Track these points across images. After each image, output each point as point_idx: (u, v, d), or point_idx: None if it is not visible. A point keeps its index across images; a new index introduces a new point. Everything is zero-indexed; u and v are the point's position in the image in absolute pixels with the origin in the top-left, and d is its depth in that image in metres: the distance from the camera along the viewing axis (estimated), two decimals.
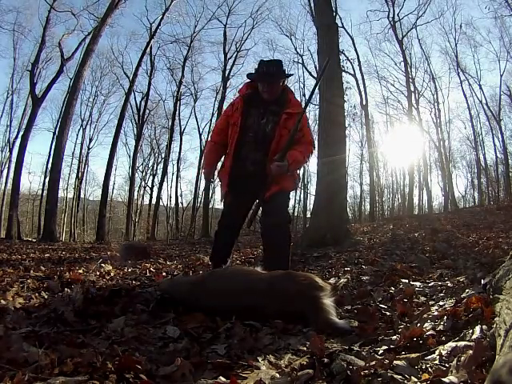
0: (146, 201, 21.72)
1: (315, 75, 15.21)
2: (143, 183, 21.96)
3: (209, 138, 2.48)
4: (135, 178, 18.34)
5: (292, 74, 2.59)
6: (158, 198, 18.01)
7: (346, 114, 7.65)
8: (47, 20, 13.63)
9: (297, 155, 2.14)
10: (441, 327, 1.10)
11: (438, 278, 1.99)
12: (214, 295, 1.50)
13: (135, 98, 18.07)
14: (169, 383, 0.88)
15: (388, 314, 1.41)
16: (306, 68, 17.93)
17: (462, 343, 0.92)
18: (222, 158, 2.39)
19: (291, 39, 18.73)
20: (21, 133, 14.29)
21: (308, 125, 2.31)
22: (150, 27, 16.29)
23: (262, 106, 2.20)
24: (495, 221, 6.98)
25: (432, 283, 1.81)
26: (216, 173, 2.41)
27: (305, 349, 1.08)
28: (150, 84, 17.63)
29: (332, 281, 2.03)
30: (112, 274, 2.58)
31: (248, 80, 2.33)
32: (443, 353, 0.90)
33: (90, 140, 20.32)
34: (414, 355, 0.92)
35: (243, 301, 1.43)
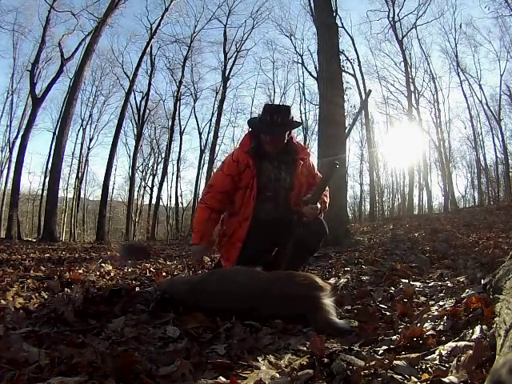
0: (146, 201, 21.77)
1: (315, 75, 15.21)
2: (143, 183, 22.01)
3: (203, 199, 2.02)
4: (135, 178, 18.40)
5: (301, 123, 2.22)
6: (158, 198, 18.05)
7: (345, 113, 7.64)
8: (47, 20, 13.64)
9: (325, 199, 2.00)
10: (441, 327, 1.10)
11: (438, 277, 1.99)
12: (214, 295, 1.50)
13: (135, 98, 18.14)
14: (169, 383, 0.88)
15: (388, 313, 1.41)
16: (305, 68, 18.00)
17: (462, 343, 0.91)
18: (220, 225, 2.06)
19: (291, 39, 18.77)
20: (21, 133, 14.32)
21: (315, 169, 2.13)
22: (150, 27, 16.34)
23: (276, 158, 1.96)
24: (495, 221, 6.99)
25: (432, 283, 1.81)
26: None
27: (305, 349, 1.08)
28: (150, 84, 17.69)
29: (332, 281, 2.03)
30: (112, 274, 2.58)
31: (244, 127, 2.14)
32: (443, 353, 0.90)
33: (90, 140, 20.39)
34: (414, 355, 0.92)
35: (243, 301, 1.43)
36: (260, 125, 1.95)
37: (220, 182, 1.98)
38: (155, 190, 19.86)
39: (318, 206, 1.90)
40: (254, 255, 1.85)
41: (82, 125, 19.72)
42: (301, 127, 19.60)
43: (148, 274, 2.66)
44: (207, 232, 1.97)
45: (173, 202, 20.06)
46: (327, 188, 2.08)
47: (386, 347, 1.03)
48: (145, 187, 21.96)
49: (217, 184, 1.99)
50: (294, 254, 1.89)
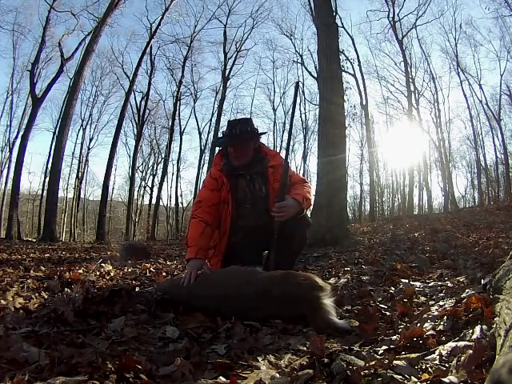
0: (146, 201, 21.78)
1: (315, 75, 15.23)
2: (143, 183, 22.04)
3: (194, 214, 1.98)
4: (135, 178, 18.42)
5: (265, 133, 2.26)
6: (158, 198, 18.07)
7: (346, 113, 7.65)
8: (47, 20, 13.66)
9: (303, 192, 1.92)
10: (441, 327, 1.10)
11: (438, 277, 1.99)
12: (214, 296, 1.50)
13: (135, 98, 18.17)
14: (169, 383, 0.88)
15: (388, 314, 1.41)
16: (305, 68, 18.04)
17: (462, 343, 0.91)
18: None
19: (291, 39, 18.87)
20: (21, 133, 14.34)
21: (292, 171, 2.10)
22: (150, 27, 16.37)
23: (247, 172, 2.01)
24: (495, 221, 6.98)
25: (432, 283, 1.81)
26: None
27: (305, 349, 1.08)
28: (149, 84, 17.72)
29: (332, 281, 2.04)
30: (112, 274, 2.58)
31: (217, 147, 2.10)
32: (443, 353, 0.90)
33: (90, 140, 20.44)
34: (413, 355, 0.92)
35: (243, 301, 1.43)
36: (224, 140, 2.06)
37: (207, 196, 2.01)
38: (155, 190, 19.92)
39: (288, 202, 1.85)
40: (241, 243, 1.95)
41: (81, 125, 19.80)
42: (301, 127, 19.65)
43: (148, 274, 2.67)
44: (203, 246, 1.90)
45: (173, 202, 20.13)
46: (309, 185, 2.07)
47: (386, 347, 1.03)
48: (145, 187, 22.00)
49: (205, 198, 2.01)
50: (281, 255, 1.87)
